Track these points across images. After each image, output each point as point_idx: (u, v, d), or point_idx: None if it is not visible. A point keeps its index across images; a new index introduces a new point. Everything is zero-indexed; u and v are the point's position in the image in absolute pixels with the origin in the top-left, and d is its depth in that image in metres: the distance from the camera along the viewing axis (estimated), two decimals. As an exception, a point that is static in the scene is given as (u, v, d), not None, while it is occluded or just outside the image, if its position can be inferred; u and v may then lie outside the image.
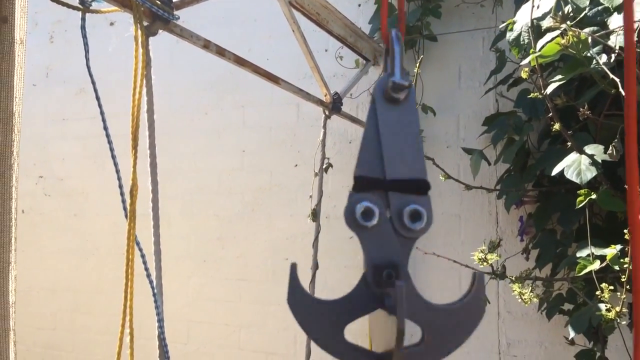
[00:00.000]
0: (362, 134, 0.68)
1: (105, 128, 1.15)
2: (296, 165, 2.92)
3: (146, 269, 1.18)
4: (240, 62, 1.68)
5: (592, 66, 1.51)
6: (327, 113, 2.26)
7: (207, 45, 1.51)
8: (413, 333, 0.65)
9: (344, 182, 2.79)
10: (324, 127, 2.28)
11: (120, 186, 1.15)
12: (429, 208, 0.67)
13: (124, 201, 1.15)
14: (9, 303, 1.07)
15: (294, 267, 0.67)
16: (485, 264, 1.65)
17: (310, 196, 2.33)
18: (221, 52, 1.58)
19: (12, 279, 1.08)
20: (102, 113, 1.16)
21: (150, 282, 1.18)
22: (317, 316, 0.67)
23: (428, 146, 2.56)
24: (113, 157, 1.14)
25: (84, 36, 1.14)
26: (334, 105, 2.22)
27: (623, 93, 1.39)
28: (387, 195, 0.67)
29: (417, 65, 2.27)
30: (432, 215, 0.67)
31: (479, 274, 0.68)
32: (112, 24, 3.37)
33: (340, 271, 2.76)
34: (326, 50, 2.84)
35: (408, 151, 0.67)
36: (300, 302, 0.67)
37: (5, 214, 1.06)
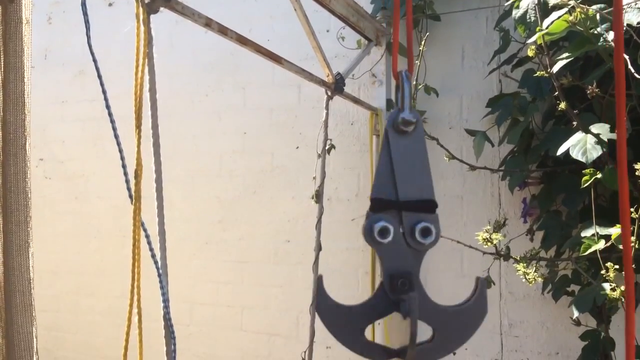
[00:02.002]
0: (377, 161, 0.79)
1: (108, 107, 1.13)
2: (297, 147, 2.90)
3: (151, 250, 1.17)
4: (242, 41, 1.65)
5: (599, 43, 1.49)
6: (329, 94, 2.24)
7: (209, 23, 1.49)
8: (426, 329, 0.72)
9: (346, 164, 2.78)
10: (327, 107, 2.26)
11: (124, 166, 1.14)
12: (437, 224, 0.79)
13: (128, 181, 1.14)
14: (29, 279, 1.08)
15: (320, 279, 0.79)
16: (489, 244, 1.65)
17: (314, 177, 2.32)
18: (223, 30, 1.56)
19: (30, 255, 1.09)
20: (104, 92, 1.14)
21: (155, 262, 1.18)
22: (341, 320, 0.79)
23: (430, 127, 2.54)
24: (116, 136, 1.13)
25: (85, 13, 1.11)
26: (337, 86, 2.20)
27: (632, 70, 1.38)
28: (400, 214, 0.78)
29: (422, 43, 2.25)
30: (440, 231, 0.79)
31: (482, 279, 0.79)
32: (110, 4, 3.33)
33: (342, 253, 2.76)
34: (328, 31, 2.81)
35: (418, 175, 0.79)
36: (327, 309, 0.79)
37: (20, 193, 1.07)
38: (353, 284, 2.74)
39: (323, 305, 0.78)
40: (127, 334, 1.13)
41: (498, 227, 1.70)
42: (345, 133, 2.80)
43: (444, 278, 2.57)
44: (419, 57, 2.33)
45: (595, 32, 1.51)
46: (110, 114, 1.13)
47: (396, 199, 0.78)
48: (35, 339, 1.14)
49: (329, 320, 0.79)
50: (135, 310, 1.14)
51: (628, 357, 0.69)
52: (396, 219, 0.78)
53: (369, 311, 0.78)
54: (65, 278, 3.38)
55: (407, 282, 0.77)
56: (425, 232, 0.77)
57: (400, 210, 0.79)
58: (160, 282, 1.16)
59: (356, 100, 2.53)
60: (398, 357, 0.77)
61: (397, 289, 0.77)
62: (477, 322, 0.78)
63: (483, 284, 0.79)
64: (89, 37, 1.15)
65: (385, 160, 0.79)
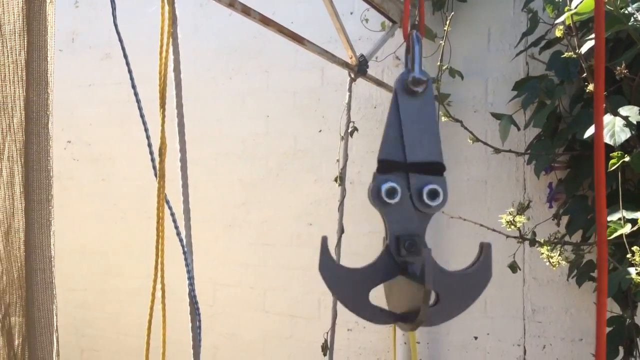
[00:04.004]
0: (386, 122, 0.76)
1: (134, 87, 1.14)
2: (320, 130, 2.90)
3: (176, 227, 1.19)
4: (265, 21, 1.66)
5: (630, 23, 1.45)
6: (352, 76, 2.23)
7: (232, 3, 1.49)
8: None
9: (369, 147, 2.77)
10: (350, 90, 2.25)
11: (150, 145, 1.15)
12: (445, 187, 0.77)
13: (153, 160, 1.16)
14: (49, 257, 1.10)
15: (325, 240, 0.76)
16: (512, 227, 1.63)
17: (337, 160, 2.32)
18: (246, 11, 1.56)
19: (52, 234, 1.11)
20: (130, 72, 1.16)
21: (180, 240, 1.20)
22: (344, 282, 0.77)
23: (455, 110, 2.51)
24: (142, 116, 1.14)
25: (111, -6, 1.13)
26: (360, 68, 2.19)
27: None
28: (408, 176, 0.76)
29: (447, 24, 2.21)
30: (448, 194, 0.77)
31: (487, 244, 0.77)
32: (135, -12, 3.35)
33: (365, 236, 2.76)
34: (351, 13, 2.79)
35: (426, 137, 0.77)
36: (330, 270, 0.77)
37: (42, 172, 1.09)
38: (375, 267, 2.74)
39: (327, 266, 0.77)
40: (151, 308, 1.15)
41: (522, 209, 1.68)
42: (368, 116, 2.79)
43: (466, 262, 2.56)
44: (444, 38, 2.30)
45: (626, 11, 1.48)
46: (136, 94, 1.14)
47: (404, 160, 0.77)
48: (55, 317, 1.15)
49: (332, 282, 0.78)
50: (159, 286, 1.16)
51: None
52: (404, 181, 0.77)
53: (373, 274, 0.77)
54: (92, 258, 3.46)
55: (414, 244, 0.77)
56: (433, 195, 0.76)
57: (408, 172, 0.77)
58: (185, 259, 1.18)
59: (379, 83, 2.52)
60: (402, 321, 0.77)
61: (404, 251, 0.77)
62: (481, 287, 0.77)
63: (488, 248, 0.79)
64: (115, 18, 1.17)
65: (394, 122, 0.78)
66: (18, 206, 1.10)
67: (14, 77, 1.09)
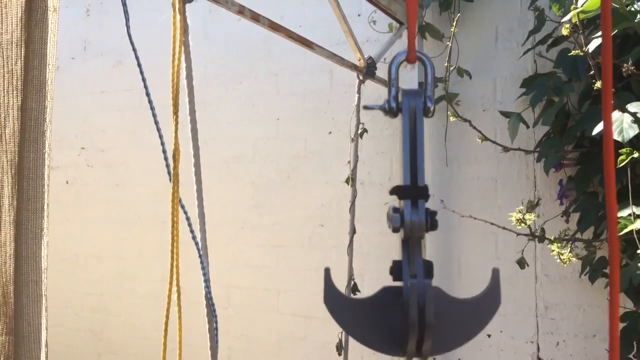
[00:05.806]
0: None
1: (148, 94, 1.17)
2: (330, 132, 2.93)
3: (191, 231, 1.22)
4: (274, 27, 1.68)
5: (636, 20, 1.46)
6: (361, 78, 2.25)
7: (242, 10, 1.52)
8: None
9: (379, 148, 2.79)
10: (358, 92, 2.27)
11: (164, 151, 1.18)
12: (407, 211, 0.69)
13: (168, 165, 1.19)
14: (42, 269, 1.07)
15: (327, 272, 0.73)
16: (523, 224, 1.64)
17: (349, 161, 2.34)
18: (256, 17, 1.59)
19: (45, 245, 1.08)
20: (144, 80, 1.19)
21: (196, 243, 1.22)
22: (351, 314, 0.73)
23: (464, 110, 2.53)
24: (156, 122, 1.17)
25: (124, 4, 1.16)
26: (368, 70, 2.21)
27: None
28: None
29: (454, 24, 2.23)
30: (405, 219, 0.69)
31: (495, 269, 0.73)
32: (145, -5, 3.40)
33: (375, 237, 2.78)
34: (359, 15, 2.81)
35: (405, 159, 0.73)
36: (336, 302, 0.74)
37: (38, 180, 1.07)
38: (386, 267, 2.76)
39: (332, 299, 0.73)
40: (168, 310, 1.17)
41: (531, 207, 1.69)
42: (377, 117, 2.81)
43: (478, 261, 2.57)
44: (451, 38, 2.32)
45: (632, 9, 1.48)
46: (150, 101, 1.17)
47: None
48: (44, 331, 1.09)
49: (338, 314, 0.76)
50: (174, 289, 1.18)
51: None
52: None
53: (379, 304, 0.76)
54: (108, 262, 3.50)
55: (391, 270, 0.75)
56: (394, 220, 0.74)
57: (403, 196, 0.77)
58: (201, 262, 1.20)
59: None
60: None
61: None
62: (488, 315, 0.73)
63: (496, 274, 0.74)
64: (128, 28, 1.20)
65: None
66: (6, 218, 1.07)
67: (8, 87, 1.07)
